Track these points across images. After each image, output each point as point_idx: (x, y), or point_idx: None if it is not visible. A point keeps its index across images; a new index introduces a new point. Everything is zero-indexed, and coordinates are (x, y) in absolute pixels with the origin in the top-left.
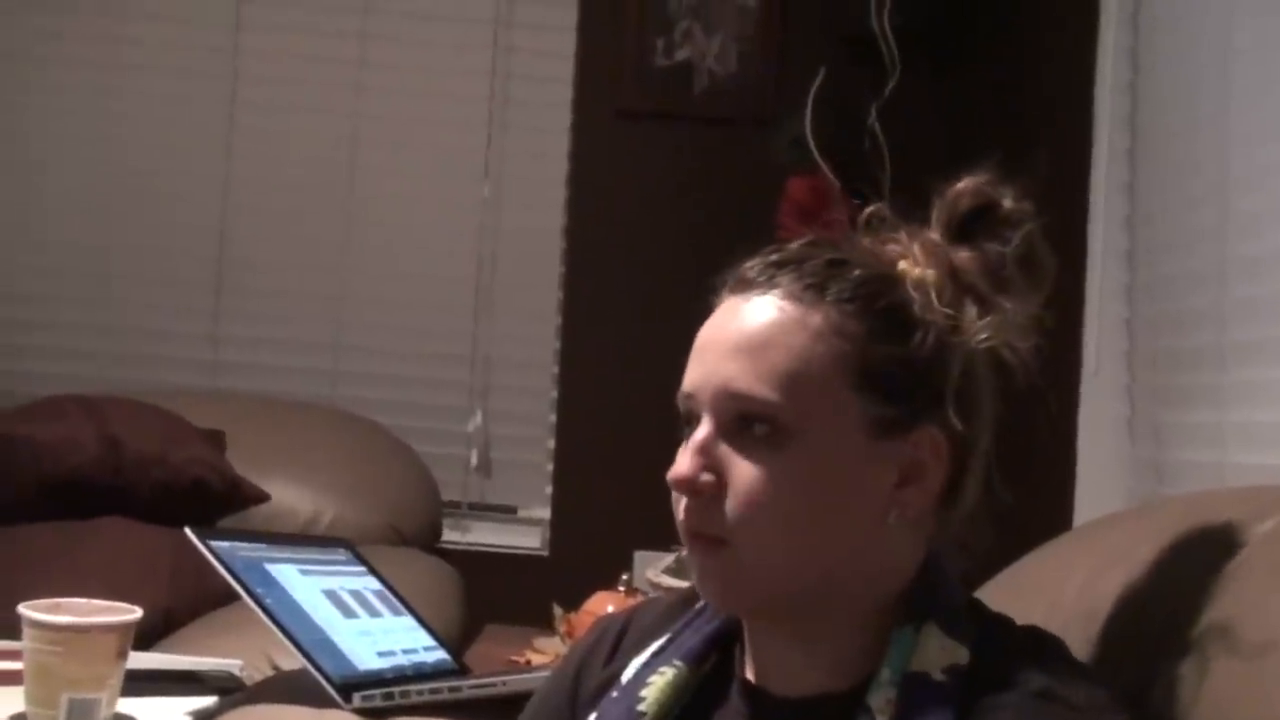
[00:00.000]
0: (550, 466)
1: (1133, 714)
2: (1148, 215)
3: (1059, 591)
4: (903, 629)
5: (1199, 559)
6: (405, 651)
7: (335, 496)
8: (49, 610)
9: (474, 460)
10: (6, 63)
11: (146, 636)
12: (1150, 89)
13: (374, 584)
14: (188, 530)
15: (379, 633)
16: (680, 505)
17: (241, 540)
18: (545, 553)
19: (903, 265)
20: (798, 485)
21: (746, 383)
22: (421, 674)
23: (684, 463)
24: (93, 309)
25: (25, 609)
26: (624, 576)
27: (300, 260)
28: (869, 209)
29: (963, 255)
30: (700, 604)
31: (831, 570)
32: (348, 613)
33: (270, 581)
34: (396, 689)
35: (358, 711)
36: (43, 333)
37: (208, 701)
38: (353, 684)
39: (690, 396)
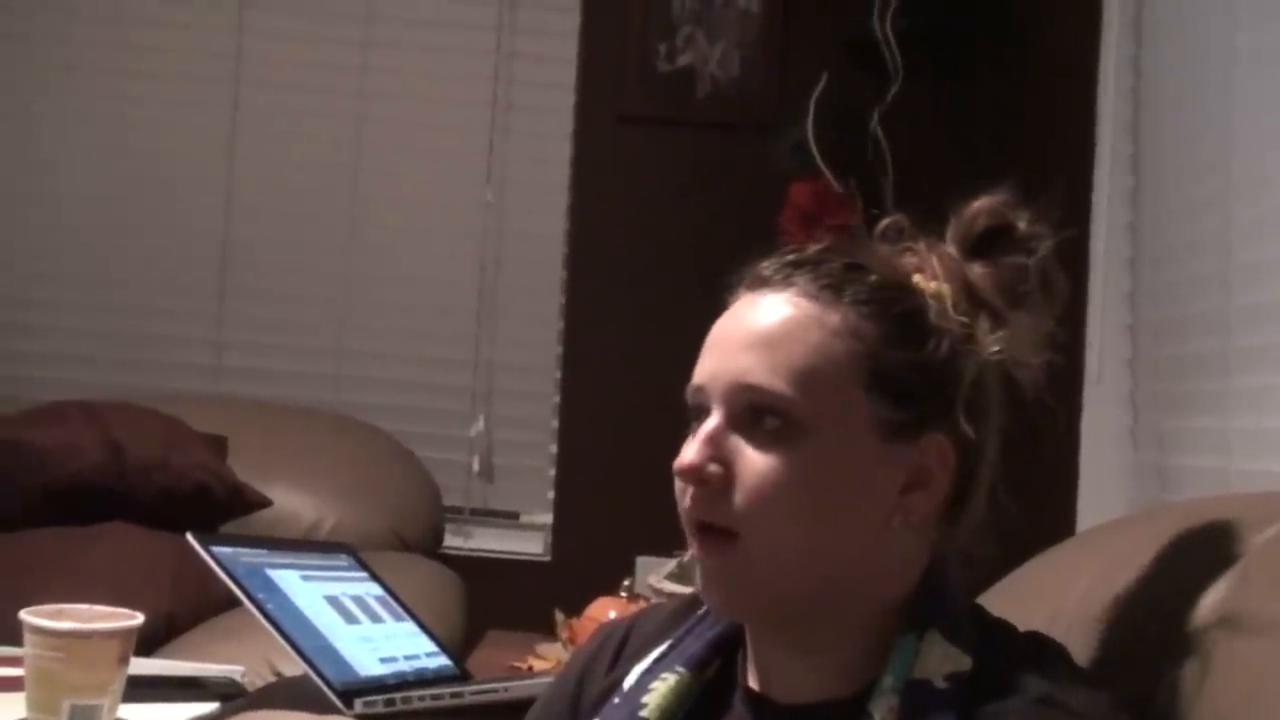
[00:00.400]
0: (552, 472)
1: (1133, 719)
2: (1150, 222)
3: (1061, 598)
4: (905, 636)
5: (1202, 565)
6: (407, 657)
7: (337, 502)
8: (51, 616)
9: (476, 465)
10: (11, 70)
11: (148, 642)
12: (1153, 95)
13: (376, 589)
14: (189, 536)
15: (381, 638)
16: (686, 495)
17: (243, 546)
18: (547, 558)
19: (917, 278)
20: (806, 480)
21: (761, 376)
22: (423, 680)
23: (692, 452)
24: (95, 314)
25: (27, 615)
26: (626, 582)
27: (303, 265)
28: (887, 220)
29: (977, 271)
30: (703, 610)
31: (836, 572)
32: (349, 618)
33: (272, 587)
34: (398, 695)
35: (359, 717)
36: (45, 338)
37: (209, 707)
38: (354, 690)
39: (701, 389)
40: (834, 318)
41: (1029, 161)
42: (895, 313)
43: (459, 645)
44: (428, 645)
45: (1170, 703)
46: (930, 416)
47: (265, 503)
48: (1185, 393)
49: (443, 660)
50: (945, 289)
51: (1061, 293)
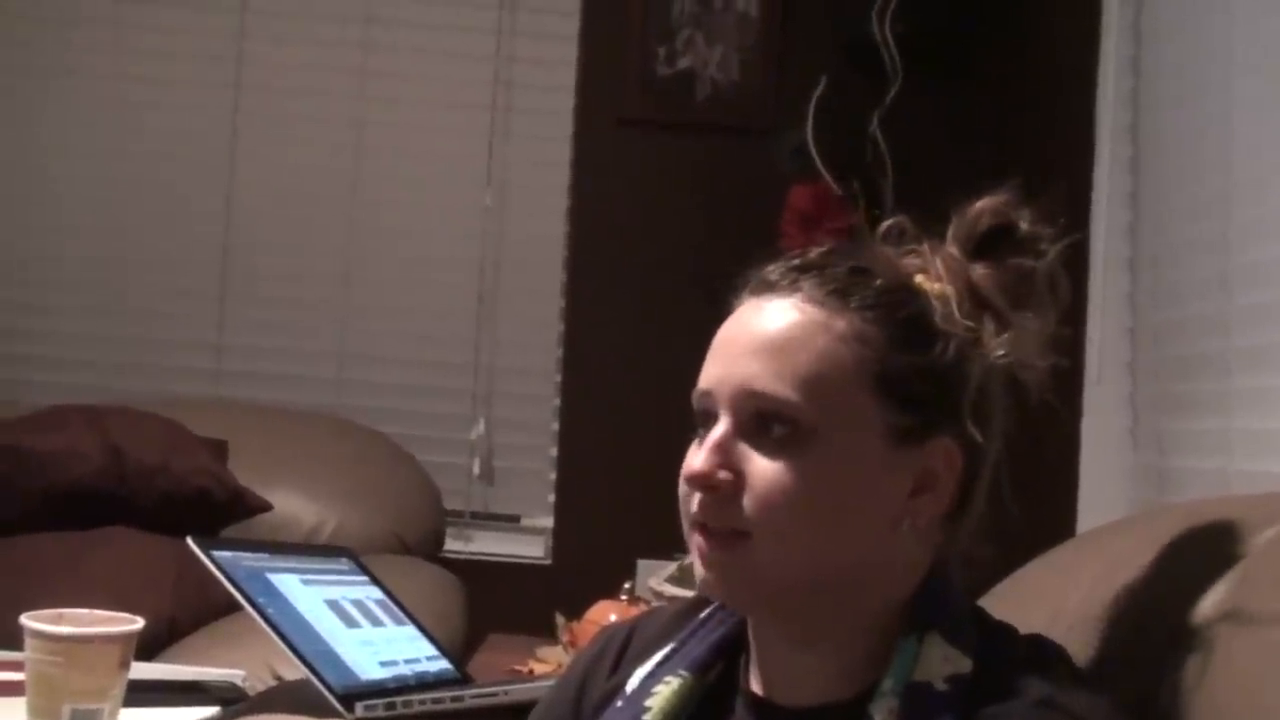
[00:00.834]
0: (553, 475)
1: None
2: (1150, 223)
3: (1062, 599)
4: (906, 638)
5: (1202, 566)
6: (408, 661)
7: (338, 506)
8: (51, 620)
9: (477, 469)
10: (14, 76)
11: (150, 647)
12: (1152, 97)
13: (376, 593)
14: (189, 540)
15: (381, 642)
16: (691, 500)
17: (244, 550)
18: (548, 561)
19: (920, 279)
20: (815, 486)
21: (767, 382)
22: (424, 683)
23: (701, 459)
24: (96, 318)
25: (27, 619)
26: (627, 585)
27: (303, 269)
28: (889, 221)
29: (980, 271)
30: (705, 613)
31: (842, 573)
32: (350, 622)
33: (272, 591)
34: (399, 699)
35: None
36: (46, 342)
37: (210, 712)
38: (355, 694)
39: (707, 394)
40: (840, 323)
41: (1029, 163)
42: (901, 317)
43: (460, 649)
44: (428, 649)
45: (1171, 703)
46: (937, 421)
47: (266, 507)
48: (1185, 394)
49: (443, 664)
50: (949, 290)
51: (1064, 294)
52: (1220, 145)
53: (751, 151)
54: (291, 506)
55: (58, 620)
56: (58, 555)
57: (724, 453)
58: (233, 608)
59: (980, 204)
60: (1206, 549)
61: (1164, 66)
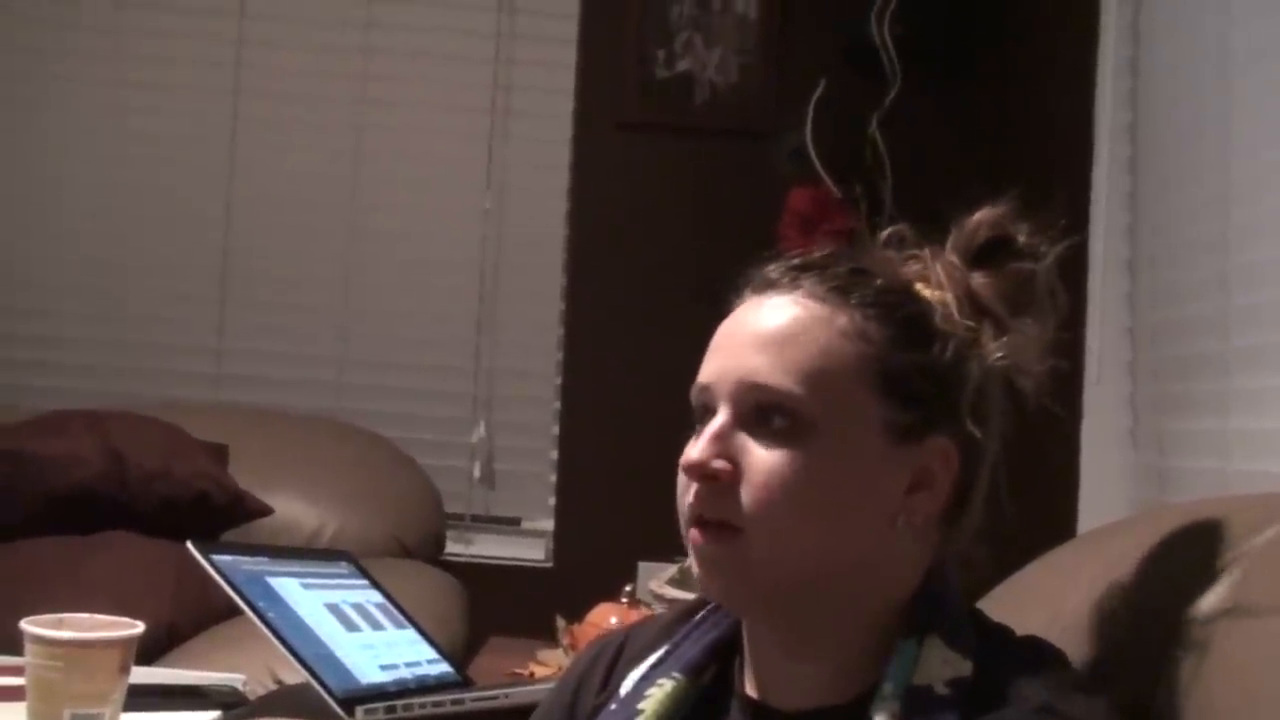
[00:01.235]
0: (553, 478)
1: None
2: (1149, 223)
3: (1061, 600)
4: (906, 640)
5: (1201, 566)
6: (408, 664)
7: (338, 509)
8: (51, 625)
9: (477, 472)
10: (14, 82)
11: (150, 651)
12: (1151, 98)
13: (376, 597)
14: (190, 544)
15: (382, 646)
16: (690, 492)
17: (244, 554)
18: (549, 564)
19: (920, 285)
20: (813, 478)
21: (770, 375)
22: (424, 687)
23: (699, 449)
24: (97, 323)
25: (27, 624)
26: (627, 588)
27: (304, 273)
28: (891, 228)
29: (979, 280)
30: (699, 616)
31: (838, 570)
32: (350, 626)
33: (273, 595)
34: (399, 702)
35: None
36: (47, 347)
37: (211, 716)
38: (355, 697)
39: (707, 388)
40: (841, 319)
41: (1028, 164)
42: (901, 316)
43: (460, 652)
44: (429, 652)
45: (1169, 704)
46: (935, 419)
47: (266, 511)
48: (1185, 394)
49: (444, 667)
50: (949, 296)
51: (1062, 303)
52: (1219, 146)
53: (750, 154)
54: (292, 510)
55: (58, 625)
56: (58, 560)
57: (722, 443)
58: (233, 612)
59: (979, 216)
60: (1206, 549)
61: (1162, 67)
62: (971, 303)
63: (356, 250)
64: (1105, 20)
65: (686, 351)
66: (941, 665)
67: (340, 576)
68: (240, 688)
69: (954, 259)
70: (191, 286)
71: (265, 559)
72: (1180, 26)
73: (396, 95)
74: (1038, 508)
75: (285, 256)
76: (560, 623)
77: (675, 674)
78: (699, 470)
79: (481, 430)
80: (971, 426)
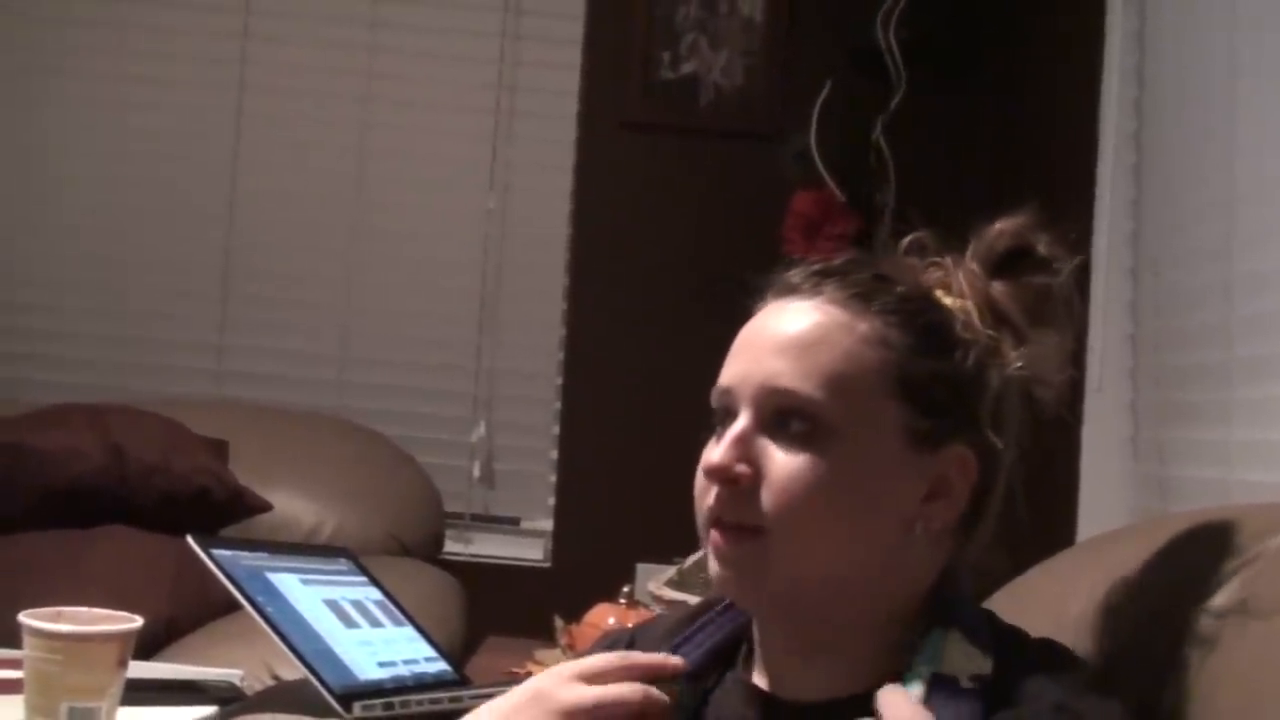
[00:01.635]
0: (553, 478)
1: None
2: (1152, 231)
3: (1062, 606)
4: (932, 631)
5: (1202, 575)
6: (406, 662)
7: (338, 506)
8: (50, 619)
9: (477, 471)
10: (17, 77)
11: (148, 646)
12: (1155, 105)
13: (375, 594)
14: (189, 538)
15: (380, 643)
16: (709, 495)
17: (243, 549)
18: (548, 564)
19: (940, 292)
20: (834, 482)
21: (792, 380)
22: (422, 684)
23: (720, 452)
24: (98, 318)
25: (25, 617)
26: (626, 589)
27: (306, 270)
28: (911, 235)
29: (999, 289)
30: (703, 619)
31: (855, 574)
32: (349, 623)
33: (272, 591)
34: (397, 699)
35: None
36: (48, 341)
37: (208, 711)
38: (353, 694)
39: (728, 391)
40: (863, 325)
41: (1032, 170)
42: (922, 323)
43: (458, 651)
44: (427, 650)
45: (1172, 709)
46: (955, 427)
47: (266, 506)
48: (1186, 403)
49: (441, 665)
50: (970, 305)
51: (1077, 314)
52: (1223, 153)
53: (755, 156)
54: (291, 507)
55: (56, 618)
56: (57, 553)
57: (744, 447)
58: (232, 607)
59: (1000, 225)
60: (1206, 558)
61: (1167, 75)
62: (992, 312)
63: (359, 248)
64: (1111, 27)
65: (688, 353)
66: (965, 660)
67: (339, 573)
68: (238, 683)
69: (974, 267)
70: (193, 282)
71: (264, 554)
72: (1185, 34)
73: (401, 94)
74: (1037, 514)
75: (287, 253)
76: (558, 623)
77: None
78: (721, 474)
79: (482, 430)
80: (991, 436)
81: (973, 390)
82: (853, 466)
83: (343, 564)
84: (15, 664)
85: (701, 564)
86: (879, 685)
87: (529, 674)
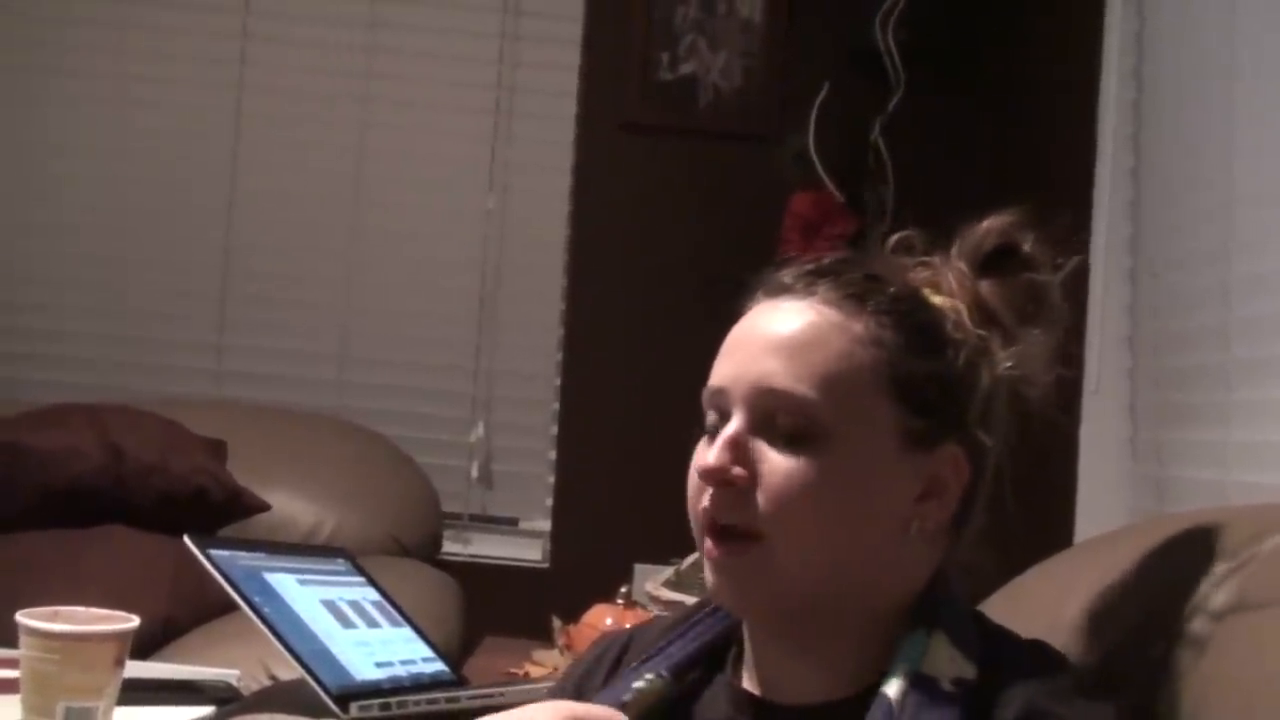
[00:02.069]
0: (551, 478)
1: None
2: (1151, 233)
3: (1059, 608)
4: (915, 632)
5: (1199, 577)
6: (403, 662)
7: (336, 507)
8: (47, 618)
9: (475, 472)
10: (17, 76)
11: (146, 645)
12: (1154, 107)
13: (373, 595)
14: (186, 538)
15: (377, 643)
16: (704, 497)
17: (241, 549)
18: (545, 565)
19: (929, 291)
20: (829, 483)
21: (784, 380)
22: (419, 685)
23: (715, 454)
24: (97, 318)
25: (22, 617)
26: (623, 589)
27: (304, 271)
28: (899, 234)
29: (987, 288)
30: (696, 618)
31: (850, 575)
32: (346, 623)
33: (269, 591)
34: (394, 699)
35: None
36: (46, 341)
37: (205, 712)
38: (350, 694)
39: (721, 392)
40: (857, 325)
41: (1030, 172)
42: (915, 323)
43: (456, 651)
44: (424, 650)
45: (1168, 712)
46: (947, 427)
47: (264, 507)
48: (1184, 404)
49: (439, 666)
50: (959, 304)
51: (1065, 314)
52: (1222, 156)
53: (753, 157)
54: (290, 507)
55: (53, 618)
56: (55, 553)
57: (738, 448)
58: (229, 607)
59: (987, 223)
60: (1203, 560)
61: (1166, 77)
62: (980, 311)
63: (358, 249)
64: (1109, 29)
65: (686, 354)
66: (948, 662)
67: (337, 573)
68: (235, 683)
69: (962, 266)
70: (193, 282)
71: (262, 554)
72: (1184, 37)
73: (401, 94)
74: (1035, 515)
75: (287, 254)
76: (556, 623)
77: (663, 672)
78: (715, 476)
79: (480, 430)
80: (981, 435)
81: (964, 390)
82: (848, 467)
83: (340, 564)
84: (12, 663)
85: (699, 565)
86: (869, 688)
87: (526, 674)
